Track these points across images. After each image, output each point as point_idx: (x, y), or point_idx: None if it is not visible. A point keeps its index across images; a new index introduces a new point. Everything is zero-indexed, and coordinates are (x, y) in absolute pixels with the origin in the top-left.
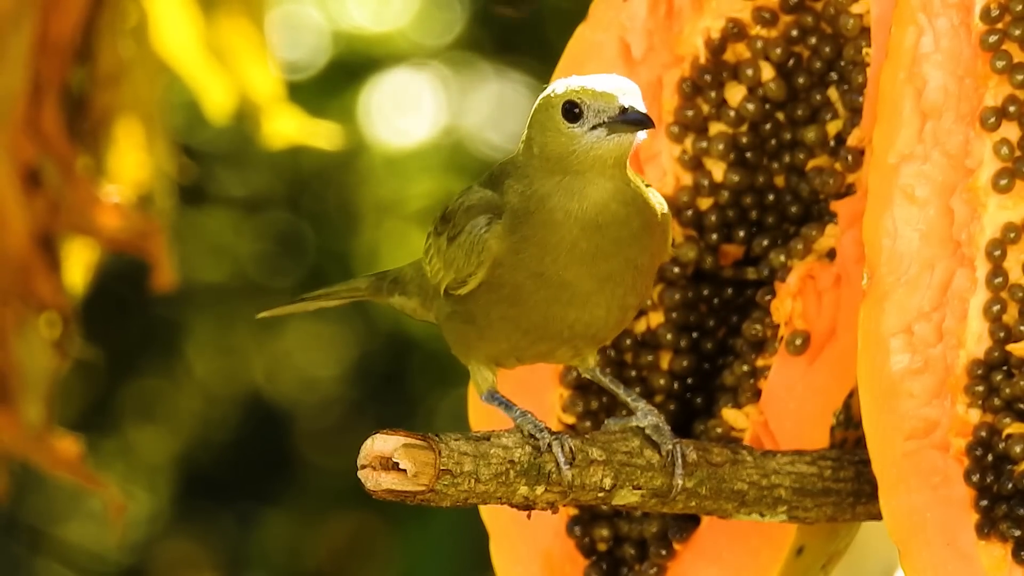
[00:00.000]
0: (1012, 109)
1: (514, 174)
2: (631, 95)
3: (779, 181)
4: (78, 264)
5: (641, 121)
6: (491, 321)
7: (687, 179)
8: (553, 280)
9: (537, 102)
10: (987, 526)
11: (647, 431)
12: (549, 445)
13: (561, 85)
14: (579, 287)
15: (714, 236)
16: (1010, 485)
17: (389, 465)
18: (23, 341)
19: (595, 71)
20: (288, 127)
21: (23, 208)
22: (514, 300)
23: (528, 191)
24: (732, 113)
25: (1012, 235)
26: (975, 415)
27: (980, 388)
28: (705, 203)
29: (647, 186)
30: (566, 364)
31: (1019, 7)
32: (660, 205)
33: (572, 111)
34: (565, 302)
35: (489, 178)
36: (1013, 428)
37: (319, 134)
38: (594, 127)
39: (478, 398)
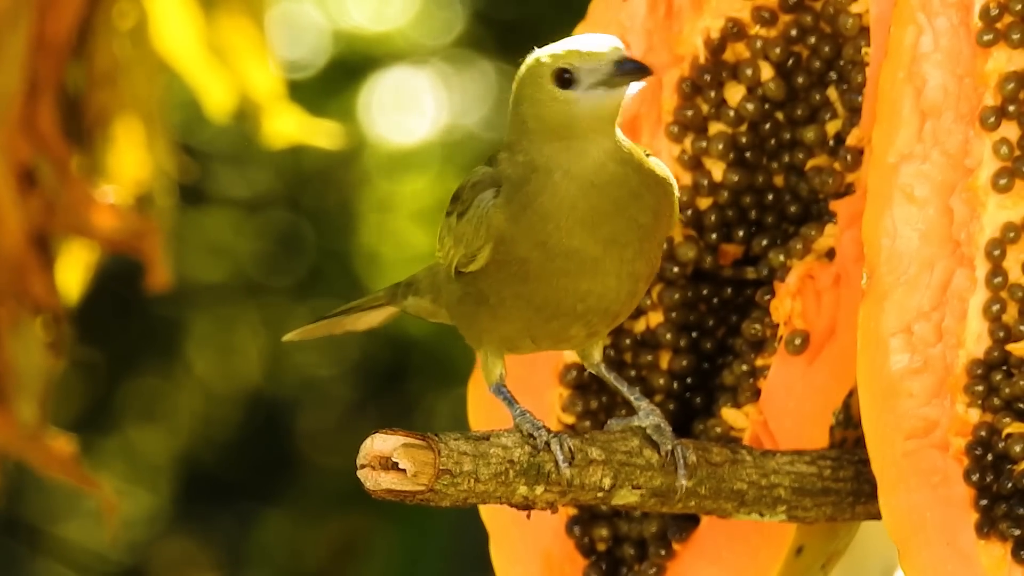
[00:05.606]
0: (1012, 108)
1: (506, 150)
2: (620, 49)
3: (778, 181)
4: (76, 264)
5: (640, 69)
6: (503, 299)
7: (686, 179)
8: (557, 249)
9: (520, 76)
10: (987, 525)
11: (648, 431)
12: (547, 444)
13: (543, 54)
14: (585, 252)
15: (713, 236)
16: (1010, 484)
17: (389, 465)
18: (18, 341)
19: None
20: (288, 126)
21: (18, 208)
22: (523, 276)
23: (524, 159)
24: (731, 113)
25: (1012, 235)
26: (975, 415)
27: (980, 388)
28: (704, 203)
29: (648, 155)
30: (580, 348)
31: (1019, 6)
32: (661, 169)
33: (563, 77)
34: (574, 273)
35: (489, 160)
36: (1013, 427)
37: (319, 133)
38: (589, 88)
39: (478, 397)
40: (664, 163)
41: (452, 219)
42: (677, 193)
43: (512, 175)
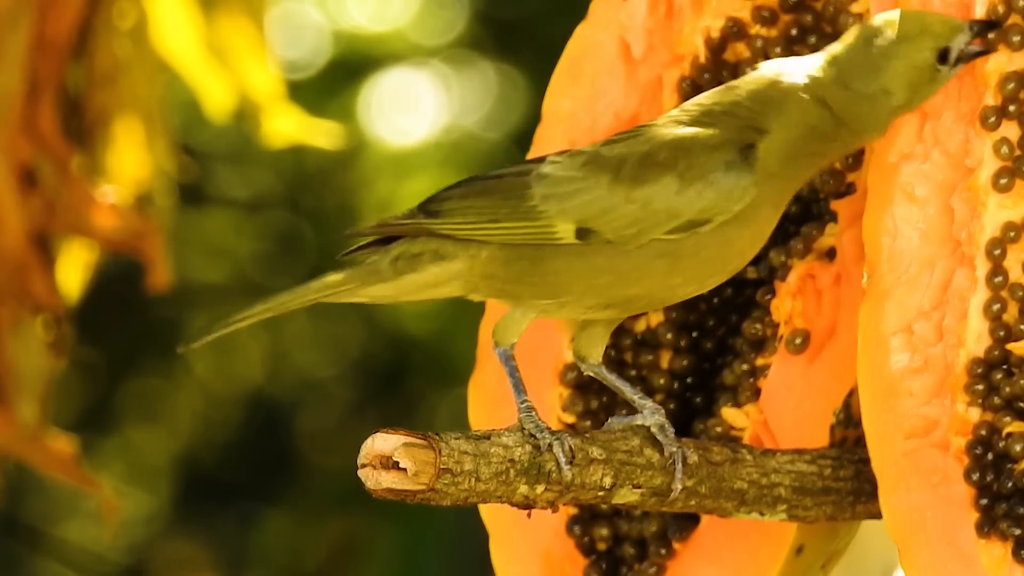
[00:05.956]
0: (1012, 108)
1: (813, 94)
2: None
3: None
4: (76, 264)
5: (991, 25)
6: (703, 260)
7: None
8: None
9: (895, 39)
10: (987, 525)
11: (652, 430)
12: (550, 445)
13: (913, 26)
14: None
15: None
16: (1010, 484)
17: (389, 464)
18: (18, 341)
19: (595, 70)
20: (288, 126)
21: (19, 208)
22: (754, 235)
23: (849, 111)
24: None
25: (1012, 234)
26: (975, 414)
27: (980, 387)
28: None
29: None
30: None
31: (1021, 4)
32: None
33: (944, 54)
34: (716, 271)
35: (702, 121)
36: (1013, 427)
37: (319, 133)
38: (957, 61)
39: (478, 397)
40: None
41: (653, 188)
42: None
43: (817, 124)
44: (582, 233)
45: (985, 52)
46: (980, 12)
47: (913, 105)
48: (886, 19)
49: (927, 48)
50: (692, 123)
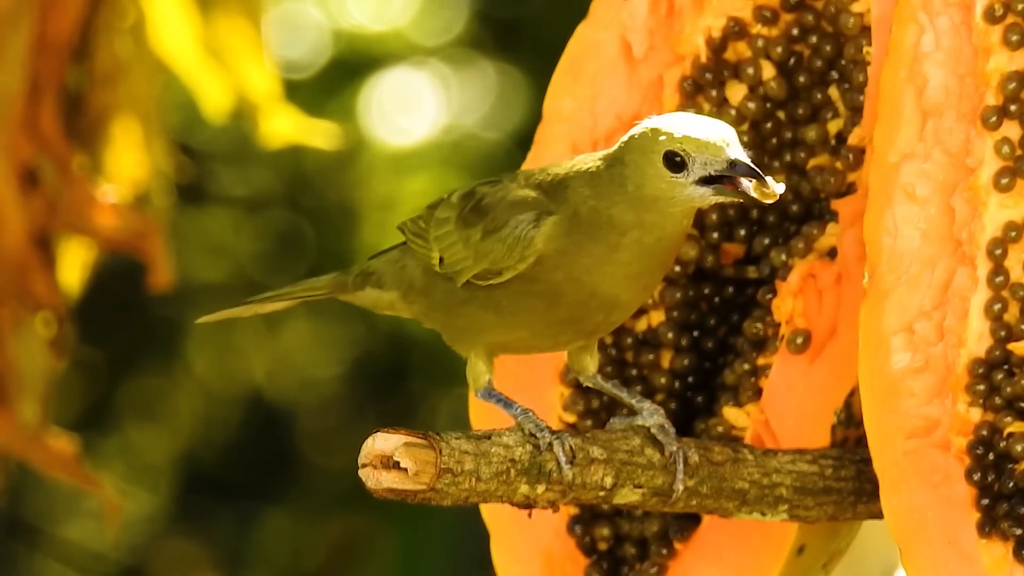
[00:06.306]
0: (1013, 108)
1: (587, 184)
2: (735, 145)
3: (780, 180)
4: (76, 263)
5: (751, 172)
6: (518, 310)
7: None
8: (593, 290)
9: (631, 138)
10: (988, 525)
11: (652, 430)
12: (550, 444)
13: (662, 126)
14: (618, 297)
15: (715, 235)
16: (1011, 484)
17: (390, 464)
18: (19, 340)
19: (596, 70)
20: (285, 126)
21: (20, 207)
22: (548, 297)
23: (601, 207)
24: (733, 112)
25: (1013, 234)
26: (976, 414)
27: (981, 387)
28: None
29: None
30: (574, 362)
31: (1020, 6)
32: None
33: (674, 160)
34: (598, 307)
35: (535, 184)
36: (1014, 427)
37: (316, 133)
38: (699, 180)
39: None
40: None
41: (474, 232)
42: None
43: (583, 215)
44: (441, 261)
45: (735, 196)
46: (979, 12)
47: (648, 218)
48: (646, 125)
49: (655, 152)
50: (530, 184)
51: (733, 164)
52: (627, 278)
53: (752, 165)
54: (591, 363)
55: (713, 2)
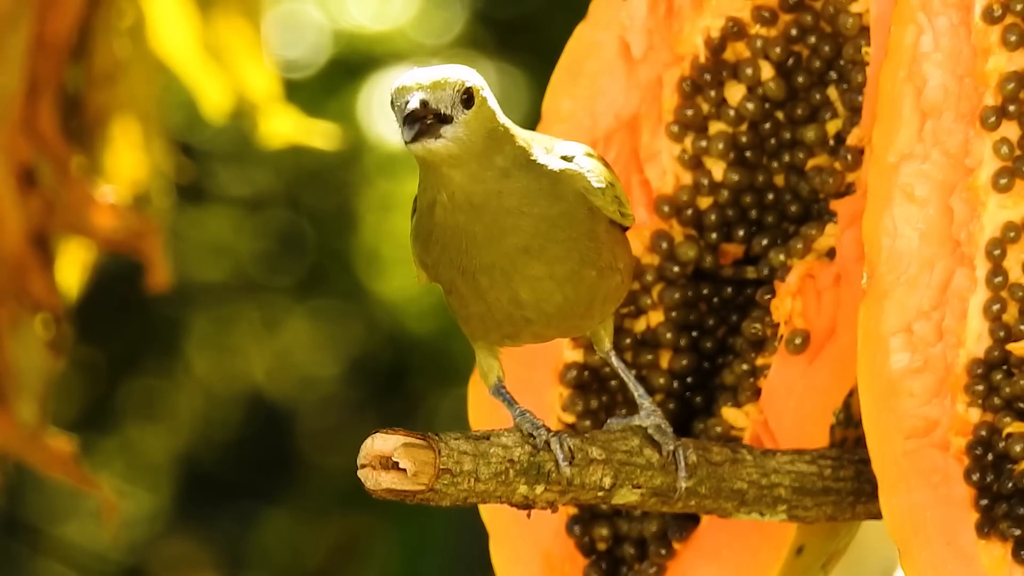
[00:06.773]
0: (1012, 108)
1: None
2: (417, 93)
3: (779, 180)
4: (75, 264)
5: (417, 130)
6: (468, 315)
7: (687, 178)
8: (471, 269)
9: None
10: (987, 525)
11: (649, 431)
12: (547, 444)
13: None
14: (497, 266)
15: (714, 235)
16: (1010, 484)
17: (389, 464)
18: (18, 341)
19: (595, 70)
20: (285, 126)
21: (18, 207)
22: (459, 293)
23: (421, 188)
24: (732, 112)
25: (1012, 234)
26: (975, 414)
27: (980, 387)
28: (705, 202)
29: (549, 152)
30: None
31: (1019, 6)
32: (557, 162)
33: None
34: (499, 285)
35: None
36: (1013, 427)
37: (316, 133)
38: (405, 127)
39: (478, 397)
40: (664, 162)
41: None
42: (591, 178)
43: (420, 204)
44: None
45: (410, 140)
46: (978, 12)
47: (427, 179)
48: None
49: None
50: None
51: (407, 115)
52: (485, 245)
53: (420, 115)
54: (606, 337)
55: (712, 2)
